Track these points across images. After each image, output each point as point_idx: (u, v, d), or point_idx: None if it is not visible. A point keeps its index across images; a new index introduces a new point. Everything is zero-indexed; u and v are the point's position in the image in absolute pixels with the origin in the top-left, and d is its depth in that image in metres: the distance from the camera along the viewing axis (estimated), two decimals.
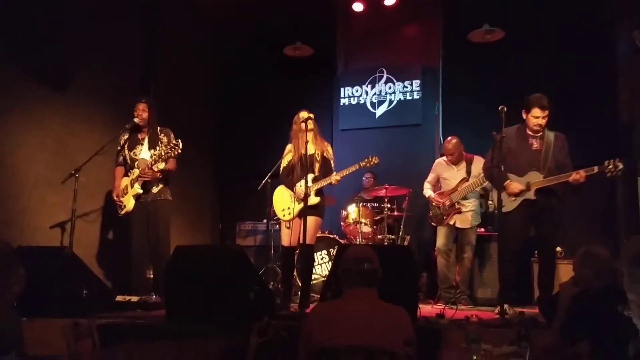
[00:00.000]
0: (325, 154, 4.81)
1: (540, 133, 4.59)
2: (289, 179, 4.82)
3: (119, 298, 4.75)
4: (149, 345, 3.17)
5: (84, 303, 4.26)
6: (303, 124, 4.66)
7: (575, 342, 2.69)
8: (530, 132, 4.60)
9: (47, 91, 5.33)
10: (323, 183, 4.68)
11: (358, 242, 5.89)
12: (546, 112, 4.49)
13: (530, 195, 4.48)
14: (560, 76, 6.35)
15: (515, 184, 4.51)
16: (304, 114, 4.72)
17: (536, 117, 4.51)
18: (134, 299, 4.75)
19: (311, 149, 4.66)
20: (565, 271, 4.81)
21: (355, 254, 2.67)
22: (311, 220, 4.60)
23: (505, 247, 4.52)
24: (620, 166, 4.21)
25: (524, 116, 4.58)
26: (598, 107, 6.33)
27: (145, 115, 5.15)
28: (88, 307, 4.20)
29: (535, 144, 4.60)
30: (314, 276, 5.60)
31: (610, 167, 4.21)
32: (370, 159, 4.73)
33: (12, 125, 4.99)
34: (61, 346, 3.02)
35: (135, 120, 5.14)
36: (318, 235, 5.14)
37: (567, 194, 4.51)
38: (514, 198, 4.52)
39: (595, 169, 4.27)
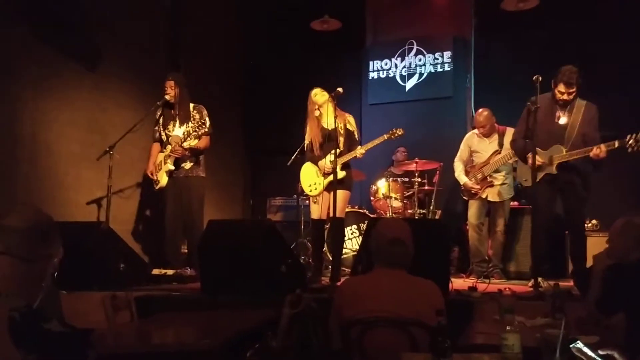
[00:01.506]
0: (348, 126, 4.78)
1: (569, 105, 4.48)
2: (313, 156, 4.82)
3: (155, 271, 4.86)
4: (185, 317, 3.25)
5: (121, 276, 4.38)
6: (317, 102, 4.69)
7: (610, 314, 2.66)
8: (559, 104, 4.50)
9: (77, 68, 5.38)
10: (348, 157, 4.67)
11: (389, 216, 5.88)
12: (572, 89, 4.37)
13: (552, 169, 4.40)
14: (596, 43, 6.15)
15: (538, 158, 4.44)
16: (315, 92, 4.75)
17: (561, 92, 4.41)
18: (170, 272, 4.85)
19: (332, 124, 4.65)
20: (602, 244, 4.72)
21: (391, 233, 2.60)
22: (340, 194, 4.61)
23: (536, 221, 4.50)
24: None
25: (553, 86, 4.48)
26: (636, 74, 6.11)
27: (173, 92, 5.19)
28: (125, 280, 4.31)
29: (563, 117, 4.50)
30: (344, 250, 5.62)
31: (631, 141, 4.07)
32: (394, 130, 4.73)
33: (44, 103, 5.08)
34: (100, 318, 3.11)
35: (166, 97, 5.19)
36: (348, 210, 5.15)
37: (589, 168, 4.40)
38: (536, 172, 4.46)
39: (616, 143, 4.14)
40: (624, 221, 2.88)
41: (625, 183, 6.01)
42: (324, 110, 4.73)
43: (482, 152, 5.49)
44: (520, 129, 4.61)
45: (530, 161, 4.36)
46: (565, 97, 4.40)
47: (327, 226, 5.09)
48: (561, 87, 4.39)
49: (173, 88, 5.19)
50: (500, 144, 5.39)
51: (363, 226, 5.86)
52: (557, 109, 4.51)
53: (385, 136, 4.73)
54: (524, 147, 4.48)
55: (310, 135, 4.83)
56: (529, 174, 4.46)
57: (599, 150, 4.18)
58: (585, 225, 5.32)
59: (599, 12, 6.27)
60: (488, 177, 5.37)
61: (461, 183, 5.55)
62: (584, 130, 4.43)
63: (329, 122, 4.69)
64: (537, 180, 4.39)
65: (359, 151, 4.65)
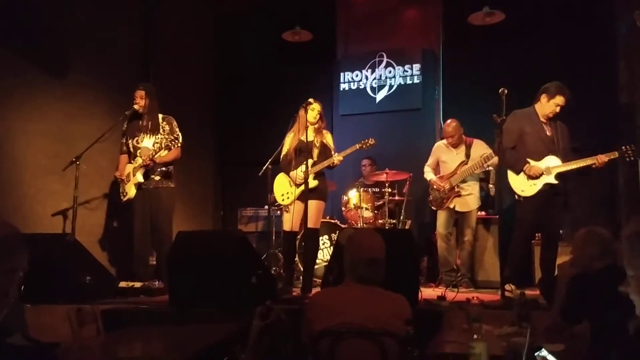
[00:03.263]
0: (324, 141, 4.83)
1: (550, 120, 4.66)
2: (289, 166, 4.83)
3: (122, 284, 4.78)
4: (152, 330, 3.20)
5: (87, 289, 4.30)
6: (305, 109, 4.70)
7: (575, 323, 2.72)
8: (542, 119, 4.64)
9: (46, 78, 5.31)
10: (325, 164, 4.69)
11: (360, 226, 5.91)
12: (567, 104, 4.58)
13: (552, 179, 4.53)
14: (561, 58, 6.32)
15: (537, 167, 4.55)
16: (316, 105, 4.81)
17: (557, 104, 4.58)
18: (137, 284, 4.78)
19: (310, 136, 4.68)
20: (566, 254, 4.83)
21: (369, 253, 2.56)
22: (313, 204, 4.63)
23: (522, 230, 4.61)
24: (632, 150, 4.38)
25: (543, 100, 4.62)
26: (598, 89, 6.30)
27: (143, 102, 5.14)
28: (91, 293, 4.23)
29: (548, 130, 4.67)
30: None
31: (629, 151, 4.37)
32: (366, 140, 4.81)
33: (11, 112, 4.98)
34: (65, 332, 3.04)
35: (135, 107, 5.13)
36: None
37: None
38: (534, 183, 4.56)
39: (616, 153, 4.40)
40: (587, 231, 2.95)
41: (588, 194, 6.17)
42: (307, 123, 4.74)
43: (449, 162, 5.58)
44: (507, 141, 4.58)
45: (533, 170, 4.51)
46: (558, 109, 4.59)
47: (299, 237, 5.09)
48: (560, 100, 4.57)
49: (143, 98, 5.13)
50: (467, 155, 5.48)
51: (334, 236, 5.87)
52: (542, 122, 4.67)
53: (358, 146, 4.79)
54: (515, 158, 4.61)
55: (291, 146, 4.83)
56: (525, 184, 4.60)
57: (602, 160, 4.40)
58: None
59: (564, 27, 6.44)
60: (455, 187, 5.45)
61: (427, 179, 5.68)
62: (564, 144, 4.63)
63: (304, 134, 4.71)
64: (538, 190, 4.54)
65: (337, 157, 4.69)
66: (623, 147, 4.39)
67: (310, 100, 4.78)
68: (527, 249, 4.71)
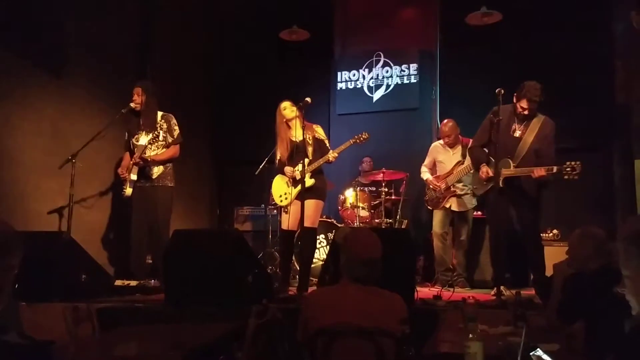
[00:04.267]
0: (317, 135, 4.81)
1: (527, 119, 4.55)
2: (284, 168, 4.83)
3: (118, 283, 4.77)
4: (148, 329, 3.19)
5: (83, 288, 4.28)
6: (285, 113, 4.73)
7: (570, 323, 2.72)
8: (516, 117, 4.59)
9: (42, 76, 5.29)
10: (321, 161, 4.69)
11: (356, 225, 5.92)
12: (533, 106, 4.46)
13: (499, 182, 4.46)
14: (558, 58, 6.34)
15: (486, 169, 4.55)
16: (285, 105, 4.77)
17: (523, 107, 4.48)
18: (133, 283, 4.77)
19: (300, 135, 4.67)
20: (562, 254, 4.83)
21: (366, 253, 2.55)
22: (311, 203, 4.62)
23: (492, 230, 4.65)
24: (578, 169, 4.19)
25: (514, 100, 4.56)
26: (595, 88, 6.32)
27: (140, 100, 5.12)
28: (87, 291, 4.22)
29: (518, 131, 4.58)
30: None
31: (568, 169, 4.22)
32: (360, 135, 4.75)
33: (7, 110, 4.97)
34: (61, 330, 3.03)
35: (132, 105, 5.12)
36: None
37: (534, 185, 4.50)
38: (485, 183, 4.59)
39: (554, 169, 4.26)
40: (582, 231, 2.95)
41: (584, 193, 6.19)
42: (292, 123, 4.75)
43: (445, 162, 5.59)
44: (479, 137, 4.72)
45: (482, 172, 4.51)
46: (526, 112, 4.49)
47: (296, 236, 5.09)
48: (524, 103, 4.46)
49: (140, 95, 5.12)
50: (464, 155, 5.49)
51: (331, 235, 5.88)
52: (514, 122, 4.59)
53: (351, 141, 4.76)
54: (480, 156, 4.61)
55: (280, 148, 4.84)
56: (479, 182, 4.67)
57: (538, 173, 4.30)
58: (546, 235, 5.46)
59: (561, 27, 6.46)
60: (452, 187, 5.46)
61: (424, 179, 5.69)
62: (537, 146, 4.51)
63: (296, 134, 4.71)
64: (487, 189, 4.52)
65: (332, 154, 4.67)
66: (567, 163, 4.23)
67: (283, 104, 4.78)
68: (503, 248, 4.53)
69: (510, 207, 4.60)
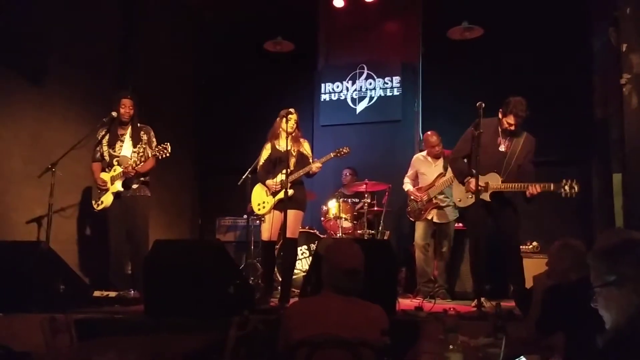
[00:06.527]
0: (301, 150, 4.82)
1: (511, 134, 4.61)
2: (266, 176, 4.83)
3: (97, 293, 4.69)
4: (127, 340, 3.16)
5: (61, 298, 4.22)
6: (285, 119, 4.70)
7: (550, 334, 2.74)
8: (500, 132, 4.63)
9: (22, 84, 5.24)
10: (301, 173, 4.69)
11: (339, 236, 5.92)
12: (520, 121, 4.51)
13: (486, 196, 4.49)
14: (538, 73, 6.43)
15: (474, 183, 4.56)
16: (295, 116, 4.78)
17: (509, 123, 4.53)
18: (112, 294, 4.69)
19: (288, 145, 4.68)
20: (542, 266, 4.87)
21: (347, 264, 2.55)
22: (291, 213, 4.62)
23: (471, 242, 4.65)
24: (576, 189, 4.23)
25: (500, 115, 4.61)
26: (574, 104, 6.43)
27: (132, 111, 5.10)
28: (65, 302, 4.16)
29: (503, 145, 4.63)
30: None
31: (566, 187, 4.24)
32: (340, 149, 4.80)
33: None
34: (38, 341, 2.98)
35: (118, 114, 5.06)
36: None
37: (519, 200, 4.54)
38: (471, 195, 4.58)
39: (552, 186, 4.30)
40: (562, 243, 2.98)
41: (563, 206, 6.26)
42: (281, 133, 4.76)
43: (427, 174, 5.64)
44: (460, 149, 4.75)
45: (470, 185, 4.51)
46: (512, 127, 4.54)
47: (277, 246, 5.08)
48: (510, 119, 4.50)
49: (131, 108, 5.09)
50: (445, 167, 5.54)
51: (313, 246, 5.87)
52: (498, 136, 4.64)
53: (332, 154, 4.79)
54: (463, 168, 4.62)
55: (270, 155, 4.84)
56: (463, 195, 4.66)
57: (534, 190, 4.32)
58: (526, 247, 5.52)
59: (541, 42, 6.57)
60: (433, 198, 5.49)
61: (405, 190, 5.73)
62: (520, 162, 4.57)
63: (281, 144, 4.73)
64: (471, 204, 4.53)
65: (315, 165, 4.69)
66: (564, 181, 4.27)
67: (291, 110, 4.78)
68: (483, 260, 4.55)
69: (490, 218, 4.63)
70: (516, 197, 4.58)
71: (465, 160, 4.79)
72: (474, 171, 4.47)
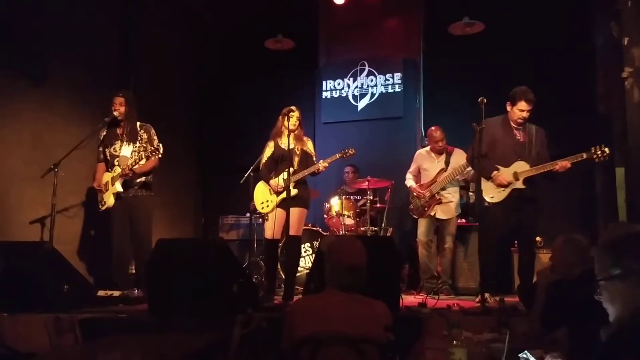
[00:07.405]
0: (305, 149, 4.83)
1: (522, 126, 4.66)
2: (269, 174, 4.82)
3: (101, 293, 4.71)
4: (132, 339, 3.16)
5: (65, 298, 4.22)
6: (286, 117, 4.70)
7: (554, 329, 2.75)
8: (513, 124, 4.66)
9: (23, 85, 5.24)
10: (306, 172, 4.69)
11: (342, 233, 5.92)
12: (531, 106, 4.55)
13: (519, 184, 4.54)
14: (540, 68, 6.42)
15: (504, 175, 4.57)
16: (297, 113, 4.78)
17: (521, 110, 4.56)
18: (116, 293, 4.72)
19: (291, 143, 4.68)
20: (545, 260, 4.88)
21: (350, 260, 2.56)
22: (295, 211, 4.62)
23: (488, 237, 4.57)
24: (607, 151, 4.31)
25: (509, 108, 4.63)
26: (577, 98, 6.41)
27: (122, 109, 5.08)
28: (69, 302, 4.16)
29: (519, 135, 4.67)
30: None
31: (598, 152, 4.31)
32: (346, 150, 4.82)
33: None
34: (43, 341, 3.00)
35: (114, 114, 5.08)
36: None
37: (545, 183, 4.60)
38: (503, 189, 4.58)
39: (584, 155, 4.36)
40: (565, 238, 2.99)
41: (567, 200, 6.26)
42: (284, 130, 4.75)
43: (429, 170, 5.62)
44: (477, 148, 4.70)
45: (499, 179, 4.53)
46: (524, 114, 4.57)
47: (280, 244, 5.08)
48: (522, 105, 4.54)
49: (123, 105, 5.08)
50: (447, 163, 5.53)
51: (316, 244, 5.87)
52: (512, 128, 4.67)
53: (338, 155, 4.80)
54: (485, 165, 4.60)
55: (273, 153, 4.84)
56: (494, 191, 4.62)
57: (565, 163, 4.38)
58: None
59: (543, 37, 6.55)
60: (436, 194, 5.48)
61: (408, 185, 5.72)
62: (538, 149, 4.63)
63: (283, 142, 4.73)
64: (507, 195, 4.55)
65: (322, 164, 4.69)
66: (592, 148, 4.34)
67: (292, 107, 4.78)
68: (498, 256, 4.63)
69: (513, 213, 4.63)
70: (539, 193, 4.63)
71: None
72: (498, 167, 4.56)
